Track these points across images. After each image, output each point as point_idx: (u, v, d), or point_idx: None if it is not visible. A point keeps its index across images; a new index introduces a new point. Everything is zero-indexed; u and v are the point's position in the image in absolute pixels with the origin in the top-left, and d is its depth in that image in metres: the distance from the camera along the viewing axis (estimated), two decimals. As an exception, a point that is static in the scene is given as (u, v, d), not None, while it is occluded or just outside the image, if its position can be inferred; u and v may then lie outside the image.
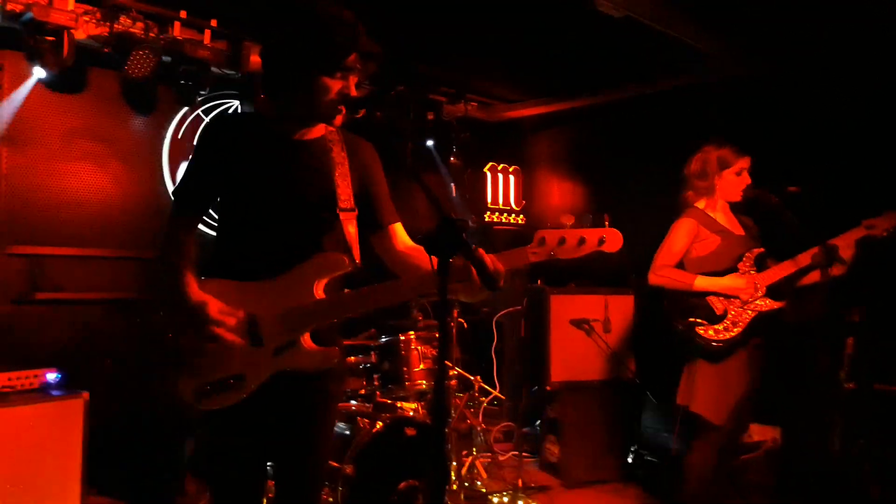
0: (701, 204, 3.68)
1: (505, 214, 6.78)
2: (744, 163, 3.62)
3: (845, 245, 3.39)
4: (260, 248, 2.16)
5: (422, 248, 2.28)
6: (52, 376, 3.62)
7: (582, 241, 2.01)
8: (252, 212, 2.16)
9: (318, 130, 2.25)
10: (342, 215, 2.18)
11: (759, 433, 4.53)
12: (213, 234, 2.30)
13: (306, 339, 2.12)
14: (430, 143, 6.13)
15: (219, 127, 2.26)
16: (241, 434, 2.17)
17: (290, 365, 2.11)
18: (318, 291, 2.13)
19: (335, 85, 2.08)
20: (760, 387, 3.60)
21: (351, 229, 2.19)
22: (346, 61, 2.07)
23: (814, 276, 3.50)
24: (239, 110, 5.26)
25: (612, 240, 2.01)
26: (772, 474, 4.37)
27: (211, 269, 2.20)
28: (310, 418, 2.24)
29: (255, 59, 4.68)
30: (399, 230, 2.36)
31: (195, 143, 2.24)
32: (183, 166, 5.00)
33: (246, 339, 2.09)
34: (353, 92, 2.12)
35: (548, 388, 4.89)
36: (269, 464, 2.33)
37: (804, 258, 3.46)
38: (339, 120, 2.16)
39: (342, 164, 2.21)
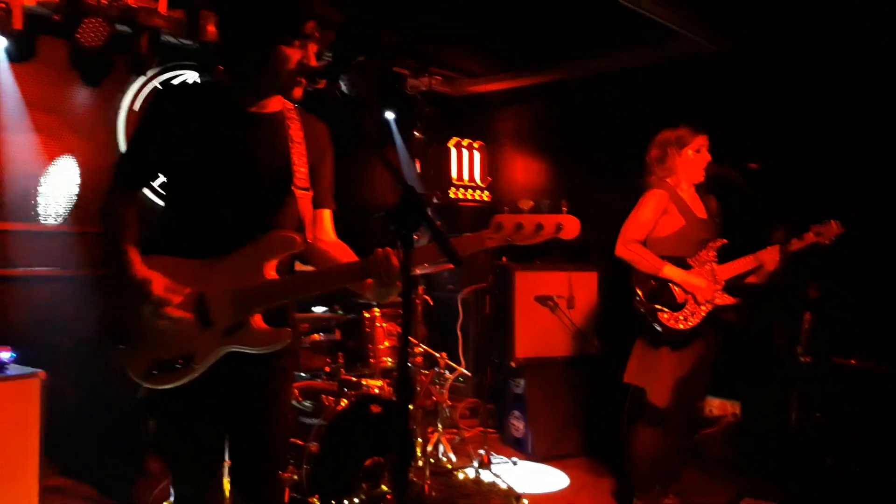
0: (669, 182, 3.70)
1: (470, 191, 6.74)
2: (701, 140, 3.65)
3: (794, 246, 3.52)
4: (211, 223, 2.10)
5: (340, 244, 2.28)
6: (5, 355, 3.50)
7: (539, 227, 2.01)
8: (203, 185, 2.08)
9: (276, 105, 2.19)
10: (297, 193, 2.14)
11: (719, 408, 4.63)
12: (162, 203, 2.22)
13: (257, 320, 2.07)
14: (390, 115, 6.04)
15: (168, 97, 2.19)
16: (195, 413, 2.13)
17: (240, 345, 2.06)
18: (270, 271, 2.08)
19: (294, 54, 2.02)
20: (715, 371, 3.68)
21: (305, 208, 2.16)
22: (304, 29, 2.01)
23: (760, 277, 3.61)
24: (196, 81, 5.14)
25: (569, 227, 2.02)
26: (731, 448, 4.47)
27: (158, 244, 2.12)
28: (264, 396, 2.21)
29: (212, 29, 4.55)
30: (326, 217, 2.31)
31: (142, 113, 2.14)
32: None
33: (194, 318, 2.03)
34: (313, 62, 2.06)
35: (512, 364, 4.91)
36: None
37: (763, 255, 3.54)
38: (298, 92, 2.09)
39: (300, 143, 2.17)
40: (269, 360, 2.14)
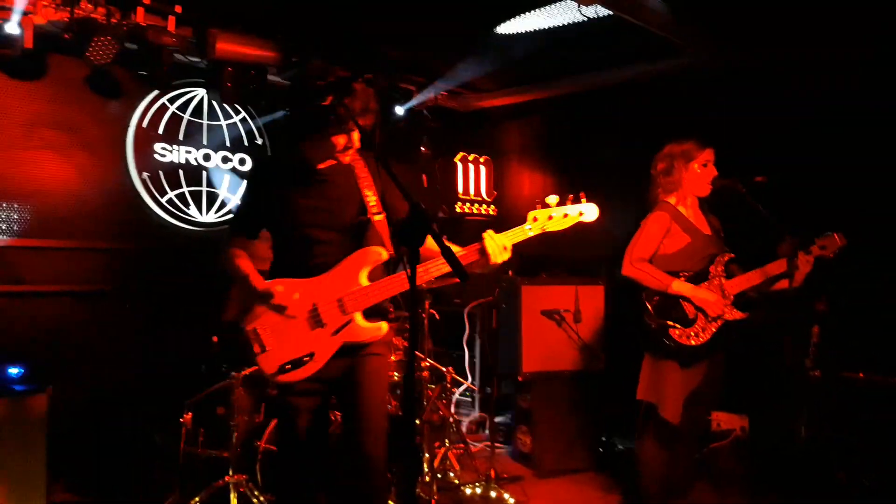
0: (671, 200, 3.69)
1: (476, 205, 6.76)
2: (708, 154, 3.63)
3: (803, 261, 3.46)
4: (313, 255, 2.70)
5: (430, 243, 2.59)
6: (13, 371, 3.54)
7: (566, 215, 2.70)
8: (302, 231, 2.71)
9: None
10: (373, 218, 2.73)
11: (728, 422, 4.58)
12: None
13: (359, 317, 2.68)
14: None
15: (263, 166, 2.97)
16: (315, 392, 2.73)
17: (348, 339, 2.67)
18: (363, 279, 2.68)
19: (340, 141, 2.62)
20: (723, 386, 3.65)
21: (382, 227, 2.73)
22: (346, 127, 2.57)
23: (778, 286, 3.56)
24: (205, 99, 5.19)
25: (589, 212, 2.74)
26: (740, 462, 4.43)
27: (273, 273, 2.74)
28: (365, 372, 2.73)
29: (220, 47, 4.60)
30: None
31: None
32: (150, 156, 4.98)
33: (310, 323, 2.66)
34: (356, 144, 2.66)
35: (519, 378, 4.90)
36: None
37: (772, 268, 3.51)
38: (344, 159, 2.69)
39: (366, 178, 2.77)
40: (368, 348, 2.74)
